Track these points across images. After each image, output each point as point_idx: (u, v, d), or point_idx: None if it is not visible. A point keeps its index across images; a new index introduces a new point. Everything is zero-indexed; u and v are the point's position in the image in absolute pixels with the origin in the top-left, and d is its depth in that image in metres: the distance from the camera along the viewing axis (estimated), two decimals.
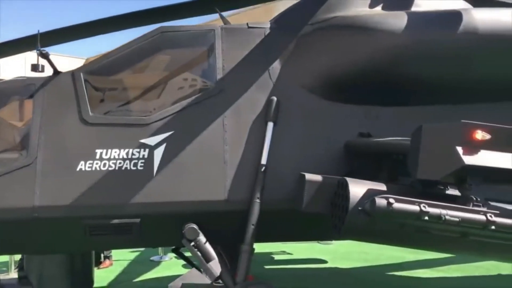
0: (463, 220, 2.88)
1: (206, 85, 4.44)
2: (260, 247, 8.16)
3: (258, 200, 4.00)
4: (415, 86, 4.36)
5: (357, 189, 3.21)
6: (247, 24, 4.58)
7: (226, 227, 4.22)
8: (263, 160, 4.12)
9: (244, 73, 4.38)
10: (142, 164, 4.04)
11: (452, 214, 2.88)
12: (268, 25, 4.60)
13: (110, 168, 4.01)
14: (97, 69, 4.36)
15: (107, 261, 7.56)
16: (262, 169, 4.06)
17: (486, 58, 4.21)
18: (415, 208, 2.88)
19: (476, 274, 6.44)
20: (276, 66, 4.44)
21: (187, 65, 4.60)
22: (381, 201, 2.88)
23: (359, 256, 7.68)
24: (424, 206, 2.87)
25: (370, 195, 3.09)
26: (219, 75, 4.34)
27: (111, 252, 7.60)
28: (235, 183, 4.12)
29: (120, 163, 4.02)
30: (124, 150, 4.05)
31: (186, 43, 4.53)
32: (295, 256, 7.96)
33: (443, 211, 2.87)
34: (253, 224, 3.95)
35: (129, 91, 4.56)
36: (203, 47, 4.55)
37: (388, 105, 4.46)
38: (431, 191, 3.27)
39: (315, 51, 4.41)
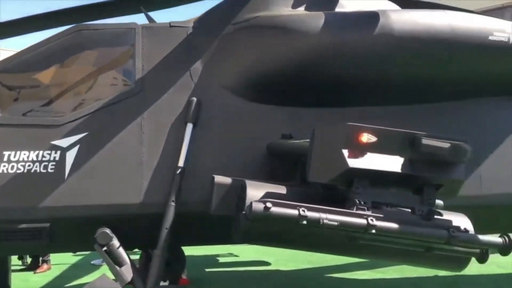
0: (342, 224, 2.83)
1: (125, 85, 4.34)
2: (207, 250, 8.11)
3: (173, 203, 3.91)
4: (337, 87, 4.32)
5: (254, 192, 3.15)
6: (169, 23, 4.48)
7: (143, 231, 4.12)
8: (180, 162, 4.03)
9: (164, 73, 4.28)
10: (53, 167, 3.92)
11: (331, 218, 2.82)
12: (191, 24, 4.51)
13: (18, 171, 3.87)
14: (9, 67, 4.21)
15: (45, 265, 7.36)
16: (178, 172, 3.98)
17: (404, 60, 4.20)
18: (294, 212, 2.81)
19: (414, 275, 6.47)
20: (198, 66, 4.35)
21: (105, 64, 4.46)
22: (258, 206, 2.81)
23: (304, 257, 7.62)
24: (303, 210, 2.81)
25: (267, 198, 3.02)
26: (138, 75, 4.23)
27: (49, 255, 7.39)
28: (151, 186, 4.04)
29: (29, 165, 3.89)
30: (34, 152, 3.91)
31: (105, 41, 4.40)
32: (240, 259, 7.89)
33: (323, 215, 2.81)
34: (166, 228, 3.86)
35: (43, 91, 4.40)
36: (123, 46, 4.43)
37: (312, 106, 4.42)
38: (332, 193, 3.22)
39: (237, 51, 4.34)
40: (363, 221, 2.84)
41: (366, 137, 2.90)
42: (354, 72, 4.21)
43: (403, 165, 2.99)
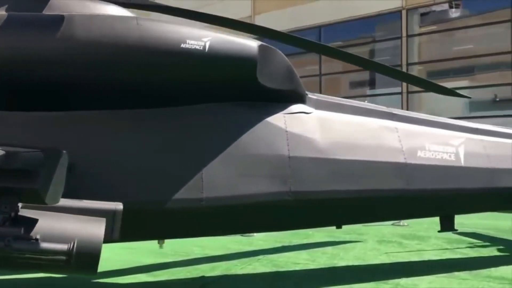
0: None
1: None
2: None
3: None
4: (33, 91, 4.31)
5: None
6: None
7: None
8: None
9: None
10: None
11: None
12: None
13: None
14: None
15: None
16: None
17: (89, 65, 4.26)
18: None
19: (185, 276, 6.61)
20: None
21: None
22: None
23: (113, 263, 7.52)
24: None
25: None
26: None
27: None
28: None
29: None
30: None
31: None
32: None
33: None
34: None
35: None
36: None
37: (19, 109, 4.38)
38: None
39: None
40: None
41: None
42: (39, 76, 4.21)
43: None
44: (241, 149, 5.00)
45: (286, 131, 5.24)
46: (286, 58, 5.47)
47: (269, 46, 5.14)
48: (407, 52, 21.31)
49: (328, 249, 8.26)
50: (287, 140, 5.21)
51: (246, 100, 5.16)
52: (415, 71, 22.05)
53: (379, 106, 6.52)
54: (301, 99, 5.56)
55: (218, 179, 4.86)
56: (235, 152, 4.97)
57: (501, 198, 6.26)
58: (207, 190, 4.80)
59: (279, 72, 5.28)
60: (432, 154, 5.82)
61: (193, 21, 5.49)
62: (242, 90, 5.02)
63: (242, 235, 9.44)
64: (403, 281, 6.01)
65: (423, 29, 22.05)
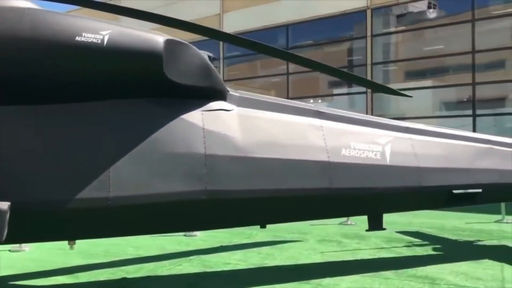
0: None
1: None
2: None
3: None
4: None
5: None
6: None
7: None
8: None
9: None
10: None
11: None
12: None
13: None
14: None
15: None
16: None
17: None
18: None
19: (104, 278, 6.44)
20: None
21: None
22: None
23: (42, 264, 7.32)
24: None
25: None
26: None
27: None
28: None
29: None
30: None
31: None
32: None
33: None
34: None
35: None
36: None
37: None
38: None
39: None
40: None
41: None
42: None
43: None
44: (153, 147, 4.84)
45: (203, 129, 5.09)
46: (201, 54, 5.31)
47: (180, 40, 4.97)
48: (371, 52, 21.38)
49: (265, 249, 8.14)
50: (204, 138, 5.06)
51: (157, 96, 4.99)
52: (380, 70, 22.20)
53: (308, 104, 6.43)
54: (221, 96, 5.40)
55: (127, 177, 4.69)
56: (147, 150, 4.81)
57: (428, 196, 6.22)
58: (115, 189, 4.63)
59: (192, 68, 5.11)
60: (357, 153, 5.74)
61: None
62: (150, 86, 4.85)
63: (184, 235, 9.30)
64: (326, 280, 5.93)
65: (393, 30, 22.13)
